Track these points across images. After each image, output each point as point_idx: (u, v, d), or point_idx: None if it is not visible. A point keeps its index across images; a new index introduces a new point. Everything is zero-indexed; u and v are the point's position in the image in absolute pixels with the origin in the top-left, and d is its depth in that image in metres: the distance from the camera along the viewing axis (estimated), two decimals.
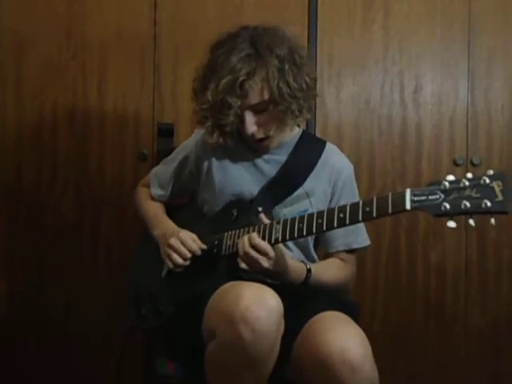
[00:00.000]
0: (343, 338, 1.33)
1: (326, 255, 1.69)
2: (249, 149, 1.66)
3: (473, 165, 2.26)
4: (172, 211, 1.75)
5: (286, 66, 1.52)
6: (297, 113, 1.55)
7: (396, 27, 2.28)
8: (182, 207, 1.78)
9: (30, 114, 2.25)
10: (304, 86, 1.55)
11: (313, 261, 1.66)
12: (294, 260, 1.54)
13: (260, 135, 1.57)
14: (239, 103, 1.50)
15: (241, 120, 1.54)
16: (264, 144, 1.61)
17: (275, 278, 1.49)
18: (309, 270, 1.54)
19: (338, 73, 2.27)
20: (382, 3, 2.27)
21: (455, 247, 2.27)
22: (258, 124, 1.55)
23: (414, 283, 2.29)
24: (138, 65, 2.25)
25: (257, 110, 1.54)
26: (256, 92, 1.51)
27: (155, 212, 1.74)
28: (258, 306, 1.28)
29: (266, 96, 1.52)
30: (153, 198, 1.78)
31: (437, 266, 2.28)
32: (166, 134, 2.19)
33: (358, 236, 1.66)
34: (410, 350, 2.28)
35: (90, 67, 2.25)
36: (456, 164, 2.26)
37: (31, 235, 2.26)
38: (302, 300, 1.48)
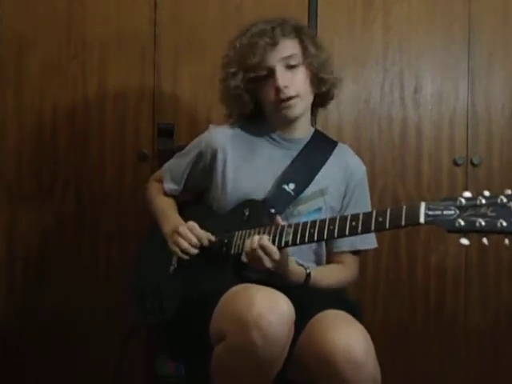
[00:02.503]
0: (346, 335, 1.33)
1: (328, 254, 1.70)
2: (265, 143, 1.67)
3: (473, 165, 2.26)
4: (181, 209, 1.75)
5: (316, 40, 1.65)
6: (324, 76, 1.63)
7: (396, 27, 2.27)
8: (189, 205, 1.77)
9: (30, 114, 2.25)
10: (329, 59, 1.66)
11: (320, 260, 1.67)
12: (294, 263, 1.53)
13: (290, 93, 1.57)
14: (270, 42, 1.56)
15: (271, 77, 1.57)
16: (291, 103, 1.59)
17: (275, 279, 1.49)
18: (308, 275, 1.54)
19: (338, 73, 2.26)
20: (382, 3, 2.27)
21: (455, 248, 2.27)
22: (289, 81, 1.57)
23: (414, 283, 2.28)
24: (138, 65, 2.25)
25: (288, 65, 1.58)
26: (289, 44, 1.59)
27: (165, 208, 1.72)
28: (271, 311, 1.28)
29: (299, 50, 1.59)
30: (165, 193, 1.77)
31: (437, 267, 2.28)
32: (166, 134, 2.19)
33: (365, 238, 1.66)
34: (410, 350, 2.28)
35: (90, 67, 2.25)
36: (456, 164, 2.26)
37: (31, 235, 2.26)
38: (305, 299, 1.48)
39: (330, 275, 1.63)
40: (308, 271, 1.54)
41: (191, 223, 1.56)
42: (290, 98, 1.58)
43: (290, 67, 1.58)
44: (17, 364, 2.26)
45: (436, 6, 2.28)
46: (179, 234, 1.55)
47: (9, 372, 2.25)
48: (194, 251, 1.54)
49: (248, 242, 1.45)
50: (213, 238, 1.55)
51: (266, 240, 1.42)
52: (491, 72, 2.29)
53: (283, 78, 1.56)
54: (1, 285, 2.27)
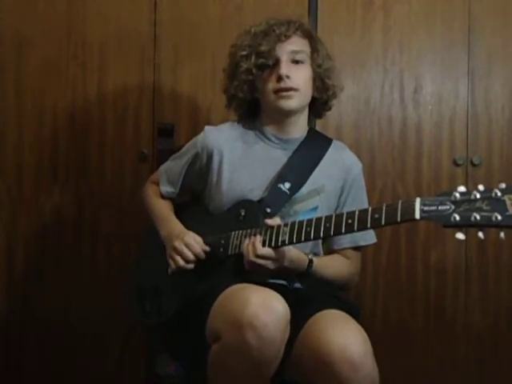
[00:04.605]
0: (344, 335, 1.33)
1: (330, 251, 1.70)
2: (261, 143, 1.67)
3: (473, 165, 2.26)
4: (178, 209, 1.75)
5: (326, 48, 1.69)
6: (327, 81, 1.66)
7: (396, 27, 2.27)
8: (186, 205, 1.77)
9: (30, 113, 2.25)
10: (334, 69, 1.69)
11: (318, 255, 1.68)
12: (296, 250, 1.54)
13: (291, 83, 1.59)
14: (283, 33, 1.60)
15: (276, 67, 1.60)
16: (289, 94, 1.60)
17: (277, 272, 1.50)
18: (310, 261, 1.55)
19: (338, 73, 2.26)
20: (382, 3, 2.27)
21: (455, 247, 2.27)
22: (292, 73, 1.60)
23: (414, 283, 2.28)
24: (138, 65, 2.25)
25: (294, 59, 1.61)
26: (300, 41, 1.63)
27: (162, 211, 1.73)
28: (266, 312, 1.29)
29: (307, 49, 1.63)
30: (162, 196, 1.77)
31: (437, 266, 2.28)
32: (166, 134, 2.19)
33: (366, 233, 1.67)
34: (410, 350, 2.28)
35: (90, 67, 2.25)
36: (456, 164, 2.26)
37: (31, 235, 2.26)
38: (303, 299, 1.49)
39: (332, 264, 1.64)
40: (310, 257, 1.55)
41: (187, 239, 1.55)
42: (289, 89, 1.59)
43: (296, 62, 1.61)
44: (17, 364, 2.26)
45: (436, 6, 2.28)
46: (175, 249, 1.55)
47: (9, 372, 2.25)
48: (190, 267, 1.55)
49: (245, 254, 1.45)
50: (207, 249, 1.55)
51: (259, 248, 1.43)
52: (491, 72, 2.28)
53: (287, 68, 1.59)
54: (1, 285, 2.27)
